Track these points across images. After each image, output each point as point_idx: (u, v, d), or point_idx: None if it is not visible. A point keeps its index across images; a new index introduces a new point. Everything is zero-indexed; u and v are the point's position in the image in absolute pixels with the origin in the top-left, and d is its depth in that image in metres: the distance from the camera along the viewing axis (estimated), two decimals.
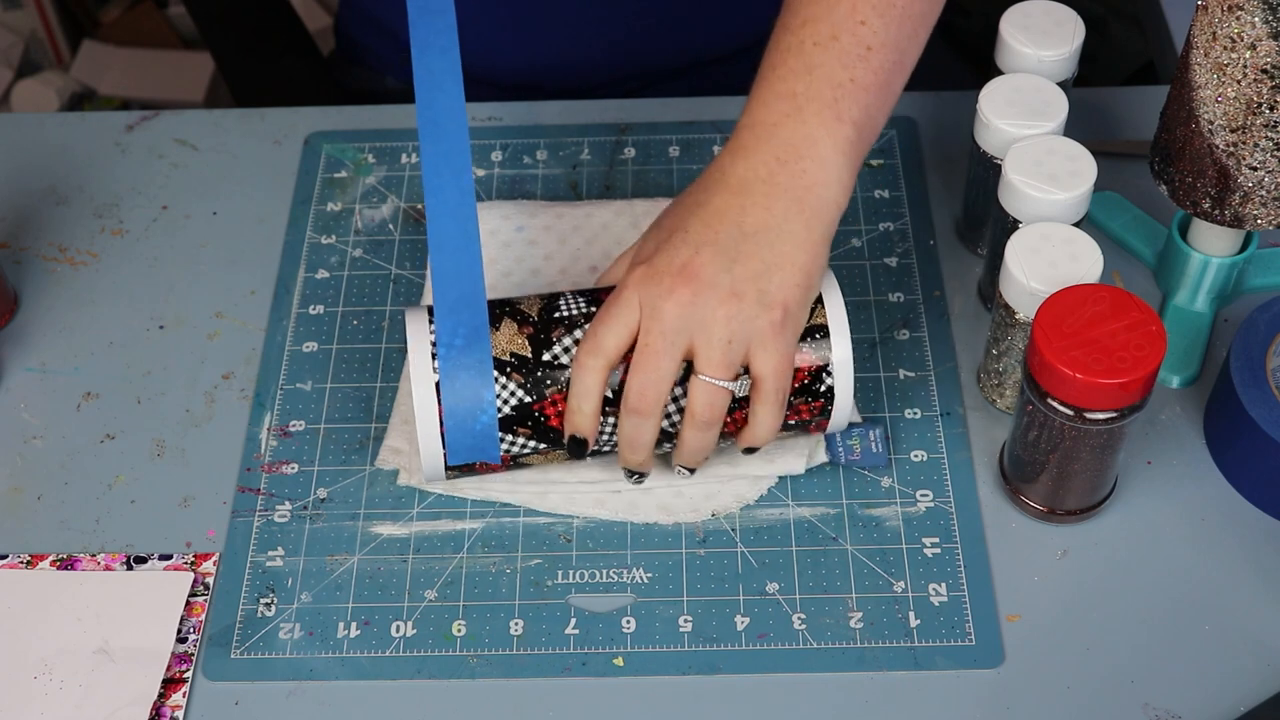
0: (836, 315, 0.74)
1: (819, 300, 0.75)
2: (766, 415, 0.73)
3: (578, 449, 0.73)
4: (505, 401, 0.73)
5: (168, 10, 2.02)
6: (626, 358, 0.72)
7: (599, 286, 0.77)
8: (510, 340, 0.73)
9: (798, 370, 0.74)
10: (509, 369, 0.73)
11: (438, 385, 0.72)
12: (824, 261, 0.72)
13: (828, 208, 0.72)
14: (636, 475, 0.75)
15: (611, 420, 0.74)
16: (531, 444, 0.74)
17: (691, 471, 0.76)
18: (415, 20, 0.78)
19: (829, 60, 0.73)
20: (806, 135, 0.72)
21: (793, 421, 0.76)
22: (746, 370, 0.72)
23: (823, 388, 0.75)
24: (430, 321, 0.74)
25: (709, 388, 0.71)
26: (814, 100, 0.72)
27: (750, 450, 0.75)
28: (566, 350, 0.73)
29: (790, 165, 0.72)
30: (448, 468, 0.74)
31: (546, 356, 0.73)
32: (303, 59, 1.22)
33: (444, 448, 0.73)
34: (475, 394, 0.72)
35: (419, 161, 0.97)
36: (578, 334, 0.73)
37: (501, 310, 0.74)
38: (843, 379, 0.75)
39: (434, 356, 0.73)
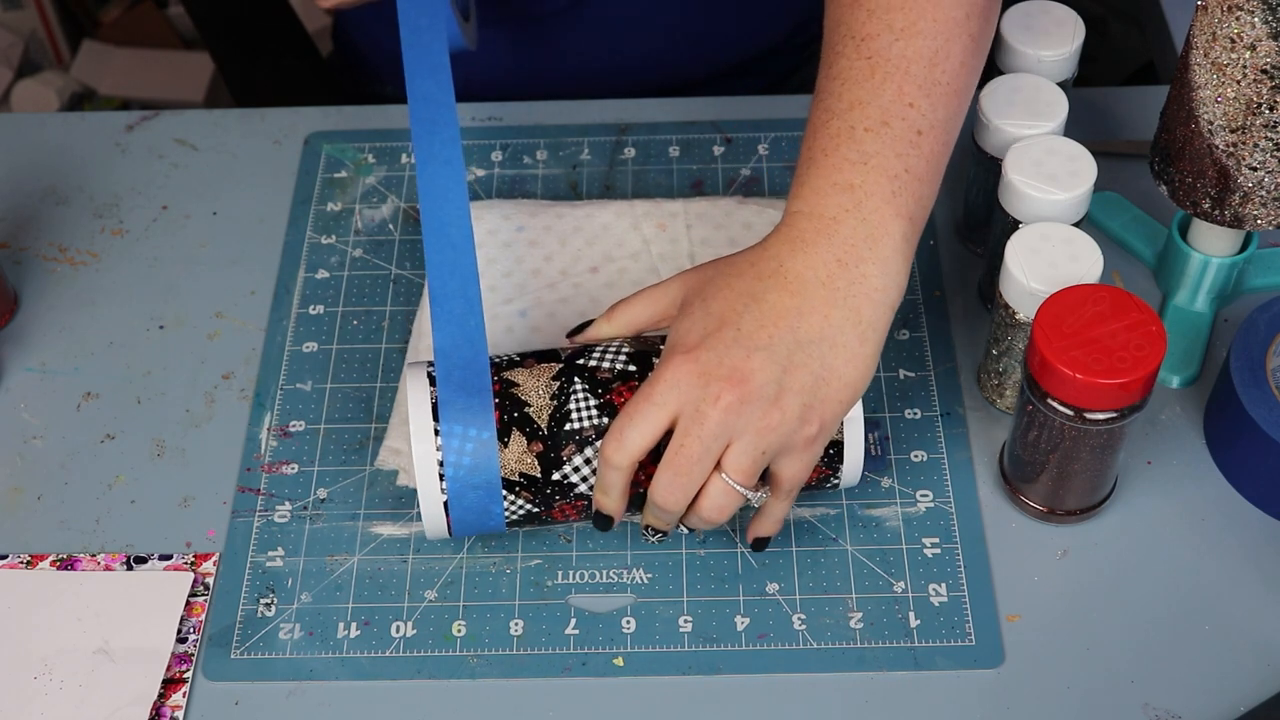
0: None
1: None
2: (779, 511, 0.73)
3: (604, 524, 0.73)
4: (512, 512, 0.73)
5: (168, 10, 2.02)
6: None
7: (609, 337, 0.75)
8: (519, 459, 0.72)
9: None
10: (518, 488, 0.72)
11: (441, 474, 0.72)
12: (871, 375, 0.70)
13: (883, 313, 0.69)
14: (659, 535, 0.74)
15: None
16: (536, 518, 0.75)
17: (664, 536, 0.74)
18: (413, 93, 0.78)
19: (883, 149, 0.70)
20: (867, 234, 0.69)
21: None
22: (762, 477, 0.71)
23: (831, 449, 0.74)
24: (431, 385, 0.73)
25: (727, 490, 0.69)
26: (872, 195, 0.69)
27: (759, 542, 0.75)
28: (576, 470, 0.72)
29: (851, 269, 0.69)
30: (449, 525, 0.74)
31: (556, 476, 0.72)
32: (302, 59, 1.22)
33: (447, 515, 0.73)
34: (484, 508, 0.72)
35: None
36: (589, 452, 0.72)
37: (509, 415, 0.72)
38: (854, 436, 0.74)
39: (436, 434, 0.71)
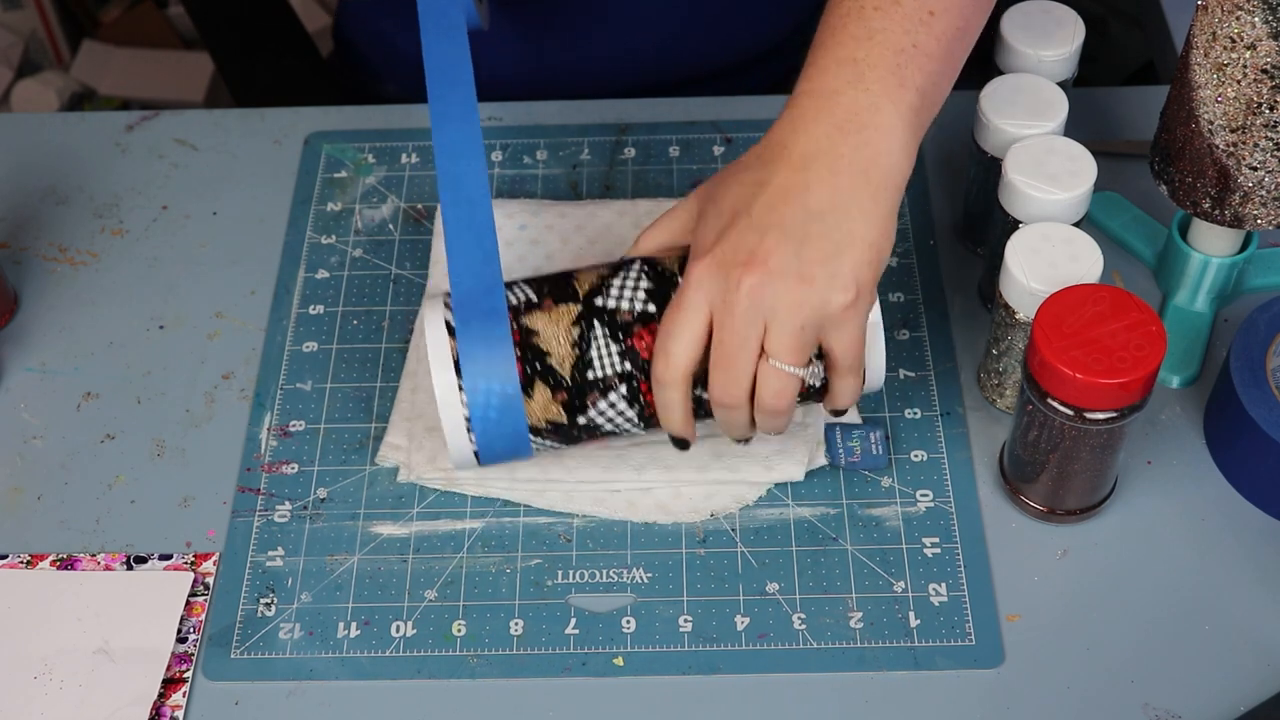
0: None
1: None
2: (846, 385, 0.72)
3: (681, 445, 0.73)
4: (539, 449, 0.74)
5: (168, 10, 2.02)
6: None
7: (633, 257, 0.75)
8: (544, 409, 0.72)
9: None
10: (544, 432, 0.73)
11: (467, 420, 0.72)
12: (893, 233, 0.69)
13: (893, 177, 0.69)
14: (743, 441, 0.74)
15: (635, 403, 0.73)
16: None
17: (746, 442, 0.75)
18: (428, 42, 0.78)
19: (890, 25, 0.70)
20: (869, 103, 0.69)
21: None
22: (818, 355, 0.71)
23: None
24: (450, 335, 0.73)
25: (779, 374, 0.69)
26: (876, 66, 0.69)
27: (838, 412, 0.74)
28: (602, 413, 0.73)
29: (853, 136, 0.68)
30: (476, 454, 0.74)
31: (581, 420, 0.73)
32: (302, 59, 1.22)
33: (474, 444, 0.73)
34: (512, 451, 0.74)
35: (419, 161, 0.97)
36: (613, 397, 0.72)
37: (531, 367, 0.72)
38: (876, 341, 0.74)
39: (459, 374, 0.72)
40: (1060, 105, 0.82)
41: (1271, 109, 0.74)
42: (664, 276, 0.73)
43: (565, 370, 0.72)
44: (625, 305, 0.72)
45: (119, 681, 0.75)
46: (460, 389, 0.71)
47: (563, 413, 0.73)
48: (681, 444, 0.73)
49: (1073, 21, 0.86)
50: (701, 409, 0.73)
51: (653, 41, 1.07)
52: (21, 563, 0.79)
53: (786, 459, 0.80)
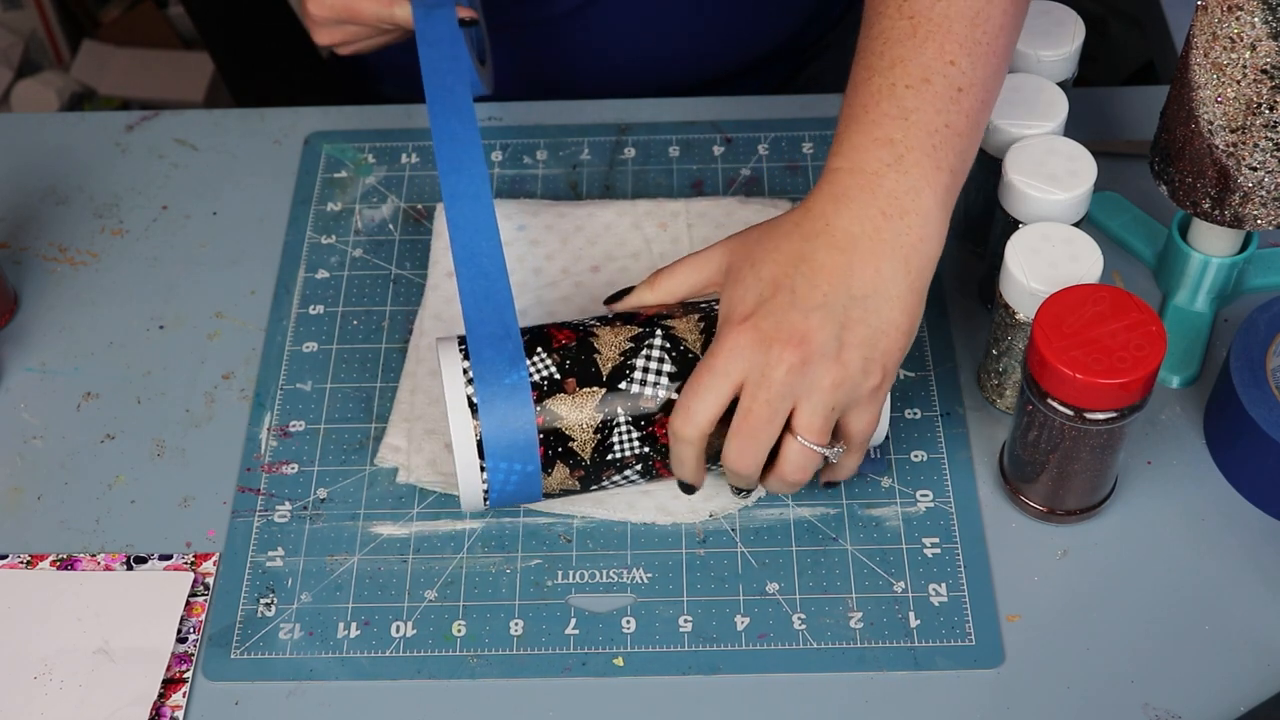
0: None
1: None
2: (851, 462, 0.74)
3: (688, 490, 0.75)
4: (552, 497, 0.76)
5: (168, 10, 2.02)
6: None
7: (655, 326, 0.75)
8: (561, 483, 0.75)
9: None
10: (555, 496, 0.76)
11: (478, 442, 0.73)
12: (919, 320, 0.71)
13: (928, 264, 0.71)
14: (744, 493, 0.76)
15: (643, 449, 0.74)
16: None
17: (748, 493, 0.76)
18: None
19: (923, 105, 0.71)
20: (910, 187, 0.70)
21: None
22: (835, 430, 0.72)
23: None
24: (466, 368, 0.73)
25: (804, 451, 0.70)
26: (914, 150, 0.71)
27: (831, 485, 0.77)
28: (615, 482, 0.76)
29: (896, 221, 0.70)
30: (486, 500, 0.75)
31: (594, 488, 0.76)
32: (303, 59, 1.22)
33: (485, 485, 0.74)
34: (524, 498, 0.75)
35: (419, 162, 0.97)
36: (628, 472, 0.75)
37: (553, 450, 0.73)
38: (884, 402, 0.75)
39: (473, 411, 0.72)
40: (1060, 105, 0.82)
41: (1271, 109, 0.74)
42: (687, 359, 0.73)
43: (585, 454, 0.74)
44: (649, 392, 0.73)
45: (119, 681, 0.75)
46: (476, 431, 0.72)
47: (577, 484, 0.75)
48: (689, 489, 0.74)
49: (1073, 21, 0.86)
50: (710, 459, 0.75)
51: (653, 49, 1.07)
52: (21, 563, 0.79)
53: None
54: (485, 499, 0.74)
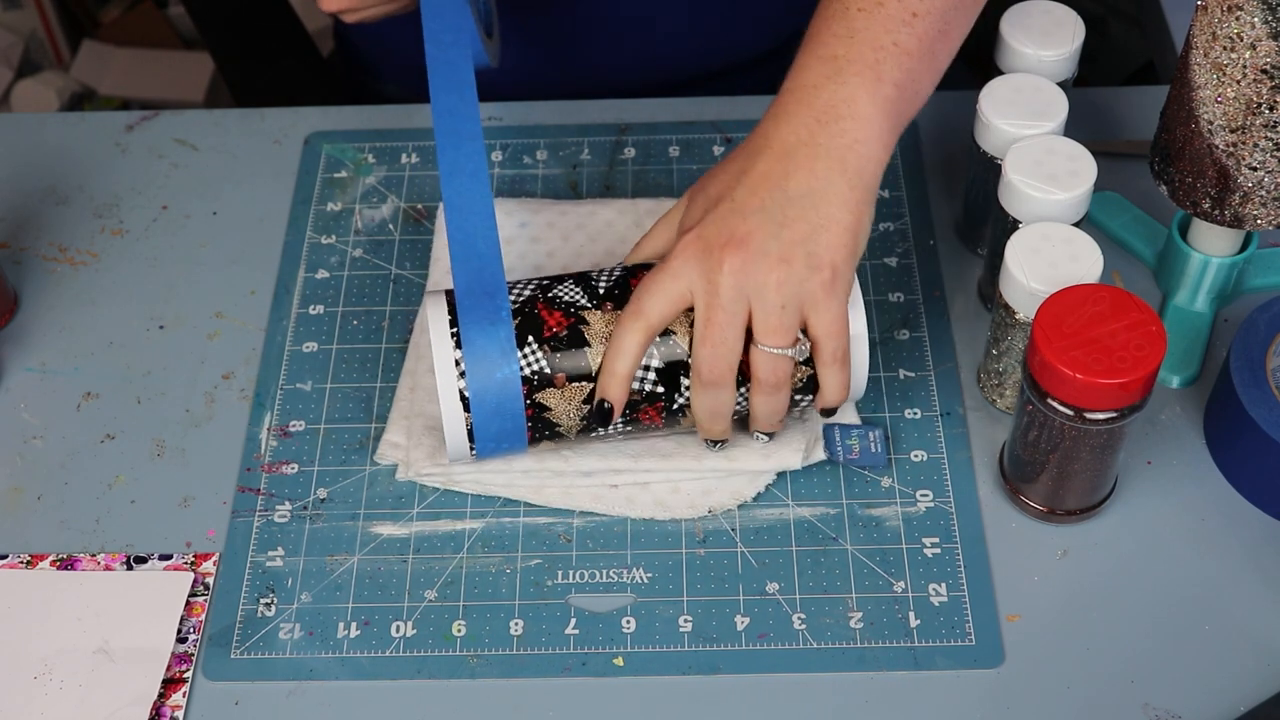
0: (853, 292, 0.76)
1: None
2: (831, 376, 0.74)
3: (603, 418, 0.74)
4: (535, 442, 0.77)
5: (168, 10, 2.02)
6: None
7: (637, 263, 0.78)
8: (547, 447, 0.77)
9: None
10: (547, 438, 0.77)
11: (459, 368, 0.74)
12: (868, 218, 0.73)
13: (869, 164, 0.72)
14: (720, 444, 0.77)
15: (625, 413, 0.76)
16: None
17: (770, 436, 0.77)
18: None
19: (872, 25, 0.73)
20: (846, 96, 0.72)
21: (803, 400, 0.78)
22: (805, 332, 0.73)
23: None
24: (451, 315, 0.75)
25: (770, 356, 0.72)
26: (854, 62, 0.73)
27: (828, 411, 0.77)
28: (603, 437, 0.77)
29: (830, 125, 0.72)
30: (472, 449, 0.76)
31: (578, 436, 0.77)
32: (303, 59, 1.22)
33: (470, 438, 0.75)
34: (508, 437, 0.75)
35: (419, 161, 0.97)
36: (612, 441, 0.77)
37: (540, 434, 0.75)
38: (859, 354, 0.76)
39: (456, 345, 0.74)
40: (1060, 105, 0.82)
41: (1271, 109, 0.74)
42: (675, 353, 0.74)
43: (572, 435, 0.76)
44: (635, 386, 0.74)
45: (119, 681, 0.75)
46: (460, 375, 0.73)
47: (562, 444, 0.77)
48: (604, 416, 0.74)
49: (1073, 21, 0.86)
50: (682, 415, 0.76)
51: (653, 45, 1.07)
52: (21, 563, 0.79)
53: (784, 447, 0.80)
54: (469, 424, 0.74)
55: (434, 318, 0.74)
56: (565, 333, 0.74)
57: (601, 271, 0.77)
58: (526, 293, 0.76)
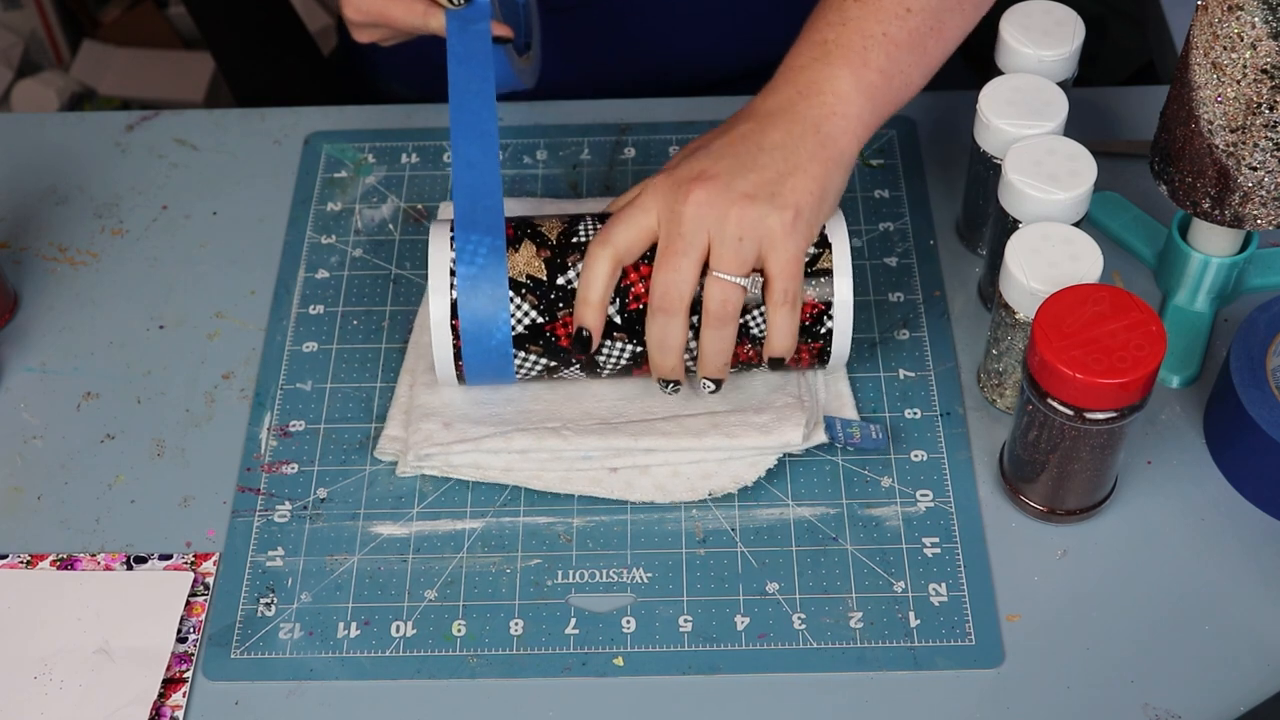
0: (841, 257, 0.77)
1: (826, 244, 0.77)
2: (780, 320, 0.75)
3: (582, 345, 0.76)
4: (519, 321, 0.77)
5: (168, 10, 2.02)
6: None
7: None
8: (528, 263, 0.77)
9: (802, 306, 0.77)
10: (524, 290, 0.76)
11: (454, 302, 0.76)
12: (839, 179, 0.75)
13: (843, 135, 0.75)
14: (672, 384, 0.78)
15: (619, 345, 0.77)
16: (543, 362, 0.78)
17: (717, 385, 0.77)
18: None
19: (865, 15, 0.76)
20: (829, 75, 0.75)
21: (792, 369, 0.79)
22: (760, 272, 0.75)
23: (823, 329, 0.78)
24: (451, 236, 0.77)
25: (722, 284, 0.73)
26: (842, 47, 0.76)
27: (776, 363, 0.77)
28: (579, 275, 0.77)
29: (810, 98, 0.75)
30: (460, 379, 0.78)
31: (560, 280, 0.77)
32: (303, 59, 1.22)
33: (458, 360, 0.77)
34: (492, 313, 0.76)
35: (419, 161, 0.97)
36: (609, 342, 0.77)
37: (522, 231, 0.77)
38: (842, 320, 0.77)
39: (453, 272, 0.76)
40: (1060, 105, 0.82)
41: (1271, 109, 0.74)
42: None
43: (552, 236, 0.78)
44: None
45: (119, 681, 0.75)
46: (452, 287, 0.75)
47: (544, 269, 0.76)
48: (584, 344, 0.76)
49: (1073, 21, 0.86)
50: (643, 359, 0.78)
51: (656, 61, 1.07)
52: (21, 563, 0.79)
53: (784, 423, 0.80)
54: (460, 368, 0.76)
55: (436, 237, 0.77)
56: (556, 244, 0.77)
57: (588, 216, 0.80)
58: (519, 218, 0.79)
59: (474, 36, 0.82)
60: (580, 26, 1.05)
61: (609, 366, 0.79)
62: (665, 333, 0.75)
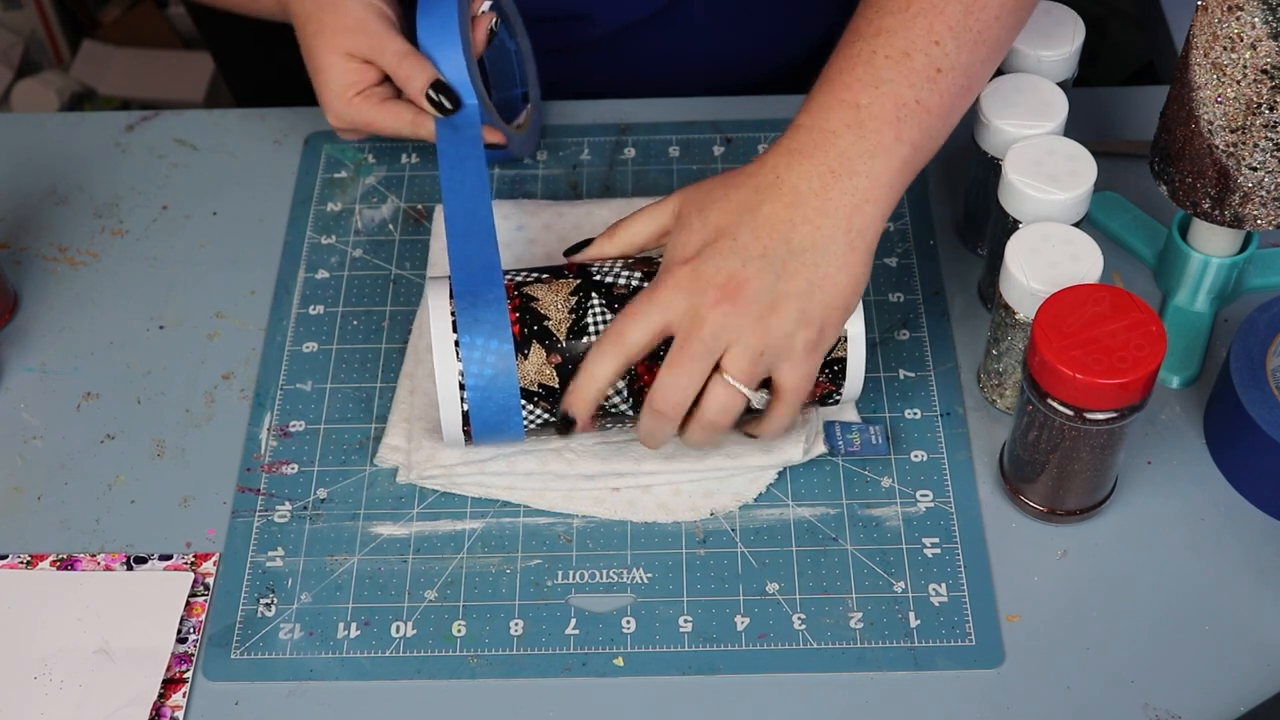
0: (855, 357, 0.76)
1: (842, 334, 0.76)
2: (781, 418, 0.74)
3: (565, 427, 0.74)
4: (530, 421, 0.76)
5: (168, 10, 2.02)
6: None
7: (613, 255, 0.77)
8: (539, 371, 0.74)
9: None
10: (536, 398, 0.75)
11: (465, 413, 0.74)
12: (864, 281, 0.72)
13: (871, 226, 0.72)
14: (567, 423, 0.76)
15: (615, 399, 0.75)
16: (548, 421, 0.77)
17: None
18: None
19: (898, 78, 0.72)
20: (864, 150, 0.71)
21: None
22: (765, 385, 0.73)
23: (830, 401, 0.78)
24: (452, 313, 0.75)
25: (729, 391, 0.71)
26: (876, 117, 0.72)
27: (751, 435, 0.76)
28: (602, 412, 0.75)
29: (844, 180, 0.71)
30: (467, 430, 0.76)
31: (578, 424, 0.75)
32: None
33: (466, 424, 0.75)
34: (503, 420, 0.75)
35: (419, 161, 0.97)
36: (615, 399, 0.75)
37: (528, 328, 0.74)
38: (856, 352, 0.76)
39: (457, 343, 0.74)
40: (1060, 105, 0.82)
41: (1271, 109, 0.74)
42: (650, 259, 0.76)
43: (561, 333, 0.74)
44: (621, 281, 0.75)
45: (119, 681, 0.75)
46: (457, 355, 0.73)
47: (555, 375, 0.74)
48: (567, 425, 0.74)
49: (1073, 21, 0.86)
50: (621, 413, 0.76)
51: (658, 74, 1.06)
52: (21, 563, 0.79)
53: (785, 440, 0.80)
54: (464, 404, 0.74)
55: (434, 301, 0.75)
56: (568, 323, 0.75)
57: (600, 268, 0.77)
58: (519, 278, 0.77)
59: (465, 141, 0.82)
60: (579, 66, 1.05)
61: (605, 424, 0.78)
62: (658, 430, 0.73)
